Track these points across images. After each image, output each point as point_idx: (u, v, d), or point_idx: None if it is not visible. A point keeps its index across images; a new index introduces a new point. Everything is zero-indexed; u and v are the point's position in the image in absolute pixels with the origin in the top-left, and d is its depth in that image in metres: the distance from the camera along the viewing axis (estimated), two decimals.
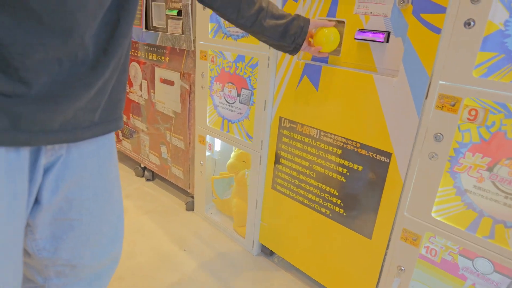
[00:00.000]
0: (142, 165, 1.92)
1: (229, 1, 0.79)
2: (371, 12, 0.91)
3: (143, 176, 1.94)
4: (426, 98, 0.83)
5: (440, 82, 0.80)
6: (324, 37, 0.90)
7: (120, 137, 2.01)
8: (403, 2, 0.85)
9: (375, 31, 0.90)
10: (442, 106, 0.80)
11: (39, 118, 0.46)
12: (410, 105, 0.85)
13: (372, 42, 0.91)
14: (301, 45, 0.88)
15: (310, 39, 0.91)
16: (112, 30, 0.51)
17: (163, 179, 1.93)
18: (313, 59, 1.06)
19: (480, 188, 0.80)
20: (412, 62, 0.83)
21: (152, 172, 1.91)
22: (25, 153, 0.48)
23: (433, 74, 0.80)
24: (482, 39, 0.73)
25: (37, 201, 0.54)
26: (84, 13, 0.45)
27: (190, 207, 1.66)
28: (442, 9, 0.77)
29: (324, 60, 1.03)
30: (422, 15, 0.80)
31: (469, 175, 0.81)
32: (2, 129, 0.44)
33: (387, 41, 0.90)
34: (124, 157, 2.09)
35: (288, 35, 0.86)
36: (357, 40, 0.94)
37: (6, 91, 0.43)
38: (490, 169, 0.78)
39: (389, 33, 0.89)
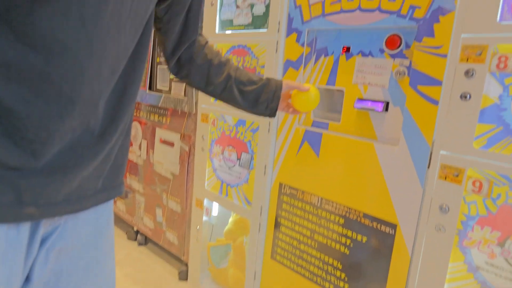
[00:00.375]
0: (135, 228, 1.85)
1: (197, 70, 0.76)
2: (369, 82, 0.94)
3: (135, 239, 1.86)
4: (428, 168, 0.82)
5: (442, 152, 0.79)
6: (306, 99, 0.83)
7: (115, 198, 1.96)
8: (399, 74, 0.88)
9: (374, 101, 0.92)
10: (446, 177, 0.79)
11: (46, 190, 0.44)
12: (412, 175, 0.84)
13: (372, 111, 0.93)
14: (275, 110, 0.83)
15: (288, 100, 0.85)
16: (119, 97, 0.51)
17: (156, 244, 1.85)
18: (314, 125, 1.07)
19: (493, 265, 0.75)
20: (412, 132, 0.84)
21: (145, 236, 1.83)
22: (25, 228, 0.44)
23: (434, 144, 0.80)
24: (480, 111, 0.74)
25: (27, 279, 0.48)
26: (100, 81, 0.45)
27: (183, 276, 1.56)
28: (438, 82, 0.79)
29: (325, 127, 1.04)
30: (419, 87, 0.82)
31: (479, 251, 0.77)
32: (6, 204, 0.41)
33: (386, 110, 0.91)
34: (117, 219, 2.02)
35: (260, 102, 0.81)
36: (356, 109, 0.95)
37: (15, 164, 0.41)
38: (501, 244, 0.74)
39: (387, 102, 0.91)
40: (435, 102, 0.79)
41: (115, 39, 0.46)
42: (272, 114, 0.83)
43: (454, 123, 0.77)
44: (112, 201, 0.60)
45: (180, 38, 0.70)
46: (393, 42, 0.89)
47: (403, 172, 0.86)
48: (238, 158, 1.29)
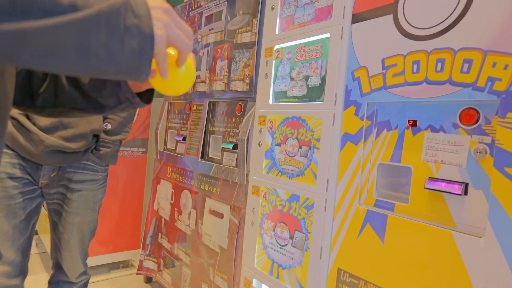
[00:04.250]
0: None
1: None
2: (442, 161, 0.83)
3: None
4: None
5: None
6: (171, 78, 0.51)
7: (162, 267, 1.90)
8: (480, 153, 0.76)
9: (449, 181, 0.80)
10: None
11: None
12: (507, 276, 0.68)
13: (447, 193, 0.80)
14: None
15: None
16: None
17: None
18: (377, 205, 0.95)
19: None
20: (502, 223, 0.69)
21: None
22: None
23: None
24: None
25: None
26: None
27: None
28: None
29: (390, 208, 0.92)
30: (507, 170, 0.70)
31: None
32: None
33: (465, 194, 0.78)
34: None
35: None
36: (428, 190, 0.84)
37: None
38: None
39: (466, 184, 0.78)
40: None
41: None
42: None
43: None
44: None
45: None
46: (469, 116, 0.79)
47: (494, 271, 0.70)
48: (291, 237, 1.18)
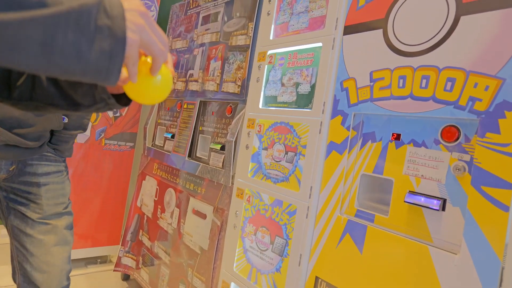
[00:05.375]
0: None
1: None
2: (422, 175, 0.84)
3: None
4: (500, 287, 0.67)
5: None
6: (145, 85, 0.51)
7: (140, 265, 1.89)
8: (458, 170, 0.78)
9: (428, 196, 0.82)
10: None
11: None
12: None
13: (426, 207, 0.82)
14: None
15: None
16: None
17: None
18: (358, 215, 0.96)
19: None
20: (476, 240, 0.71)
21: None
22: None
23: (506, 260, 0.67)
24: None
25: None
26: None
27: None
28: (507, 185, 0.68)
29: (370, 219, 0.93)
30: (484, 188, 0.71)
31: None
32: None
33: (443, 209, 0.80)
34: None
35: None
36: (407, 203, 0.85)
37: None
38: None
39: (444, 200, 0.80)
40: (505, 208, 0.68)
41: None
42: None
43: None
44: None
45: None
46: (450, 134, 0.80)
47: (466, 286, 0.71)
48: (272, 242, 1.19)
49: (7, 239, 1.22)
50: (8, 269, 1.14)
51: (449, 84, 0.78)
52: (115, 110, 0.60)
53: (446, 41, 0.80)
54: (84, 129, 1.20)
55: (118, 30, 0.42)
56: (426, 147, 0.84)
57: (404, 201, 0.85)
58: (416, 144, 0.86)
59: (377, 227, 0.90)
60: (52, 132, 1.11)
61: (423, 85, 0.83)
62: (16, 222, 1.08)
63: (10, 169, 1.06)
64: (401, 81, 0.87)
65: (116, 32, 0.41)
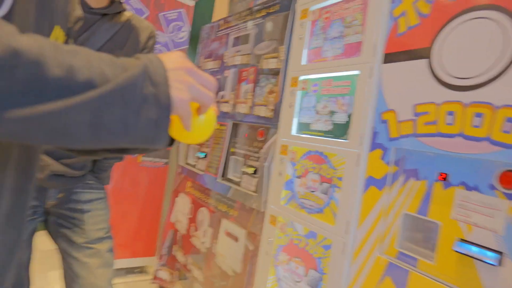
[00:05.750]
0: None
1: None
2: (474, 222, 0.76)
3: None
4: None
5: None
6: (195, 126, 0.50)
7: (175, 279, 1.90)
8: None
9: (482, 247, 0.74)
10: None
11: None
12: None
13: (479, 260, 0.74)
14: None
15: None
16: None
17: None
18: (399, 257, 0.89)
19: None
20: None
21: None
22: None
23: None
24: None
25: None
26: None
27: None
28: None
29: (413, 263, 0.86)
30: None
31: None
32: None
33: (500, 264, 0.71)
34: None
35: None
36: (456, 251, 0.77)
37: None
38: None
39: (501, 253, 0.72)
40: None
41: None
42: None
43: None
44: None
45: None
46: (509, 179, 0.72)
47: None
48: (306, 274, 1.14)
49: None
50: (58, 274, 1.21)
51: (509, 125, 0.70)
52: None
53: (503, 75, 0.72)
54: (121, 159, 1.25)
55: (163, 96, 0.41)
56: (479, 192, 0.76)
57: (453, 250, 0.77)
58: (468, 187, 0.78)
59: (421, 273, 0.83)
60: (93, 162, 1.18)
61: (476, 123, 0.75)
62: (64, 246, 1.15)
63: (58, 196, 1.13)
64: (450, 117, 0.80)
65: (161, 99, 0.41)
